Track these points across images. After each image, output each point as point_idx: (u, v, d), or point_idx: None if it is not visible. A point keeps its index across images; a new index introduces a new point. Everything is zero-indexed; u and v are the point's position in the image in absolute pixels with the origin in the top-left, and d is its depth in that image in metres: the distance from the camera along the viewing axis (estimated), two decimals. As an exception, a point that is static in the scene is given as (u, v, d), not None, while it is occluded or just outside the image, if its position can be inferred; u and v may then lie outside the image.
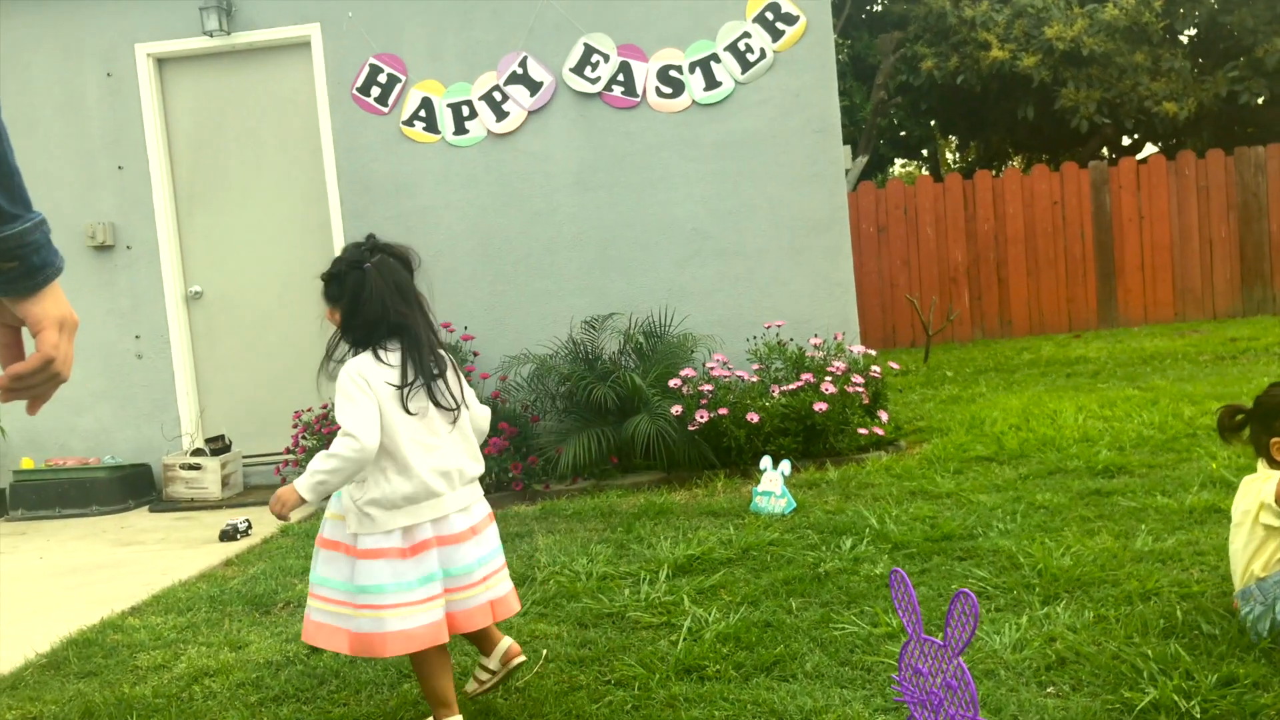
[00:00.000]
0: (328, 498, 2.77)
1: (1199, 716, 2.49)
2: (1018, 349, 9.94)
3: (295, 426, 6.22)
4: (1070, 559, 3.64)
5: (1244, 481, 3.02)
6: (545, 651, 3.27)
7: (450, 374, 2.78)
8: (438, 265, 6.55)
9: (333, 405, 2.76)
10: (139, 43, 6.65)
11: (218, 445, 6.51)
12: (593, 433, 5.69)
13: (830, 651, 3.09)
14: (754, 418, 5.49)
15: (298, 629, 3.56)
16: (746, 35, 6.33)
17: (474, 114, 6.49)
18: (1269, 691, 2.57)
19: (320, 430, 6.04)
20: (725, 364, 5.93)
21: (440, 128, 6.52)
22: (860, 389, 5.78)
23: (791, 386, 5.70)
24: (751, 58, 6.34)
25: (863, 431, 5.70)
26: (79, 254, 6.73)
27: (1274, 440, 2.93)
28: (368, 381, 2.65)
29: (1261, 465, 3.00)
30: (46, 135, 6.73)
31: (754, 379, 5.85)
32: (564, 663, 3.19)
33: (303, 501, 2.62)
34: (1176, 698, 2.55)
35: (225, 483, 6.40)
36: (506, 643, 2.86)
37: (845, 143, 7.50)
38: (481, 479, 2.89)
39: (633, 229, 6.48)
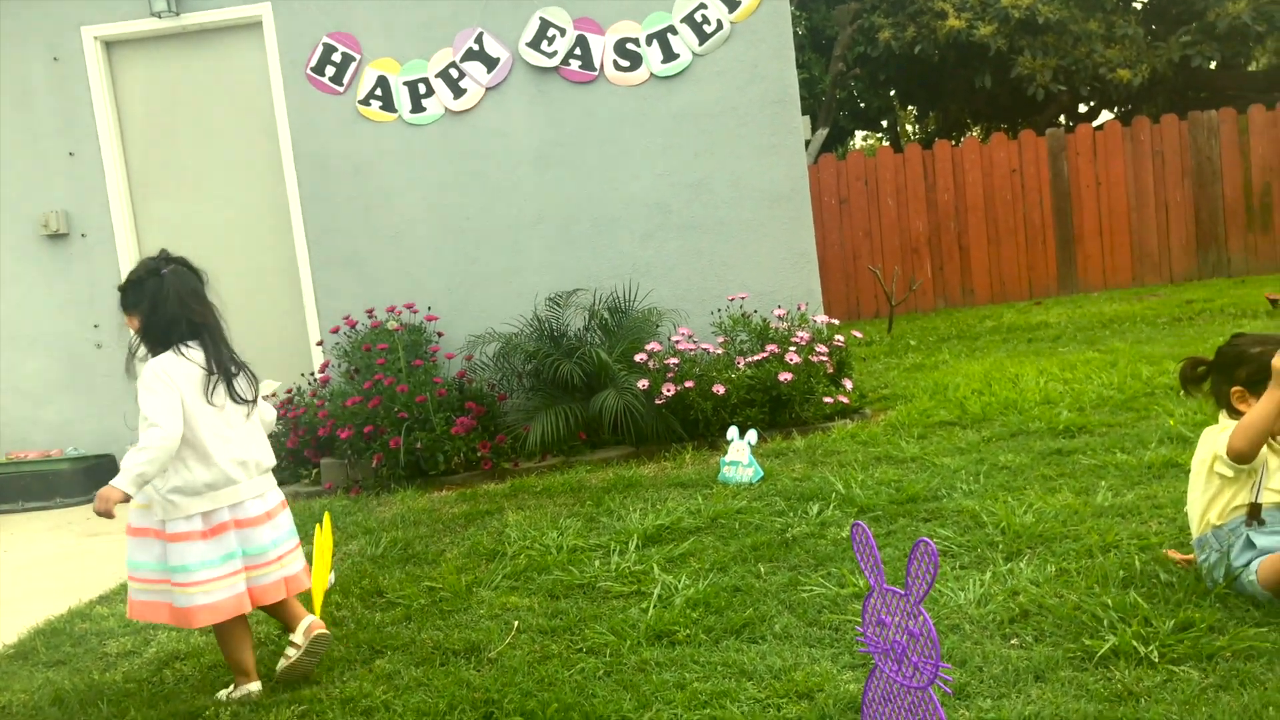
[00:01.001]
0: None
1: (1157, 660, 2.55)
2: (980, 317, 10.03)
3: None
4: (1032, 516, 3.71)
5: (1204, 433, 3.08)
6: (516, 623, 3.28)
7: (245, 373, 3.07)
8: (399, 245, 6.51)
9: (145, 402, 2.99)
10: (85, 25, 6.52)
11: (181, 433, 6.43)
12: (560, 409, 5.69)
13: (799, 613, 3.13)
14: (720, 390, 5.52)
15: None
16: (703, 6, 6.31)
17: (431, 92, 6.44)
18: (1224, 635, 2.64)
19: (285, 415, 6.00)
20: (690, 337, 5.95)
21: (397, 106, 6.46)
22: (824, 359, 5.83)
23: (756, 358, 5.73)
24: (708, 29, 6.33)
25: (828, 400, 5.75)
26: (32, 243, 6.62)
27: (1234, 389, 3.00)
28: (170, 376, 2.91)
29: (1222, 416, 3.06)
30: (-6, 123, 6.61)
31: (719, 352, 5.88)
32: (535, 633, 3.20)
33: (126, 497, 2.85)
34: (1135, 643, 2.61)
35: (190, 470, 6.34)
36: (309, 619, 3.06)
37: (805, 114, 7.50)
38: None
39: (595, 204, 6.46)
